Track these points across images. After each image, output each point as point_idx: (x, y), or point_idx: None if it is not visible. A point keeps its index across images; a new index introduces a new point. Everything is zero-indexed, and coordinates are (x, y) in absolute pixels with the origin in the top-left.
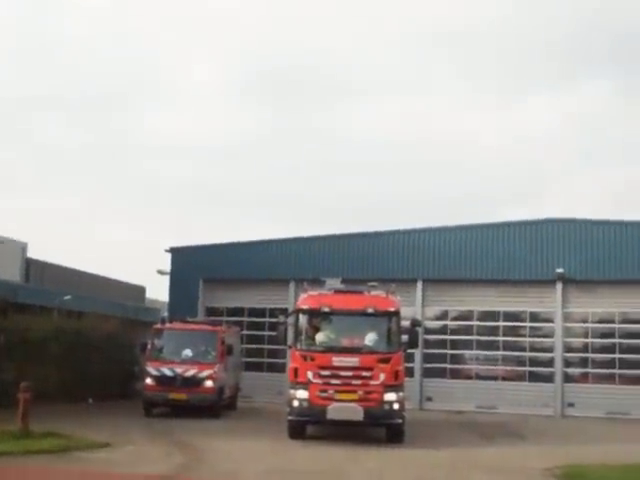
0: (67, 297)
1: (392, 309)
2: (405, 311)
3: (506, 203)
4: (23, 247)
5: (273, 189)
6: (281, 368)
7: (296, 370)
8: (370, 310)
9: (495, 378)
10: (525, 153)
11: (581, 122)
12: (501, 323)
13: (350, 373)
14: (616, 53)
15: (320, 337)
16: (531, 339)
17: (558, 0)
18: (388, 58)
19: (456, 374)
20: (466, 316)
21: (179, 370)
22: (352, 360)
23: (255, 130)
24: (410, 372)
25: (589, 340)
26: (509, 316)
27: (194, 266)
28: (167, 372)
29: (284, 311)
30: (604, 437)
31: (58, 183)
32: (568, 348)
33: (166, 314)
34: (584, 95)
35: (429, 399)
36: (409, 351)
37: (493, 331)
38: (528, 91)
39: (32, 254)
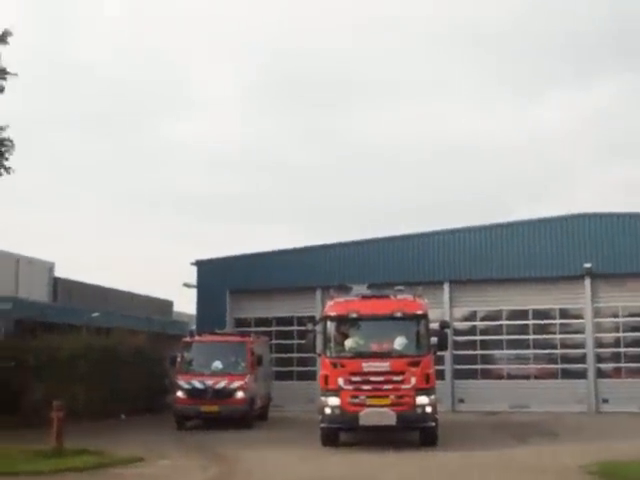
0: (95, 314)
1: (420, 312)
2: (433, 313)
3: (525, 202)
4: (50, 267)
5: (293, 198)
6: (311, 376)
7: (326, 377)
8: (398, 314)
9: (527, 377)
10: (542, 152)
11: (598, 119)
12: (531, 321)
13: (381, 378)
14: (631, 49)
15: (349, 343)
16: (562, 336)
17: None
18: (403, 60)
19: (487, 374)
20: (495, 316)
21: (210, 382)
22: (382, 365)
23: (272, 136)
24: (441, 374)
25: (620, 334)
26: (538, 314)
27: (220, 278)
28: (198, 385)
29: (312, 319)
30: (639, 433)
31: (80, 200)
32: (599, 343)
33: (194, 327)
34: (600, 92)
35: (461, 401)
36: (439, 353)
37: (523, 330)
38: (544, 90)
39: (59, 273)
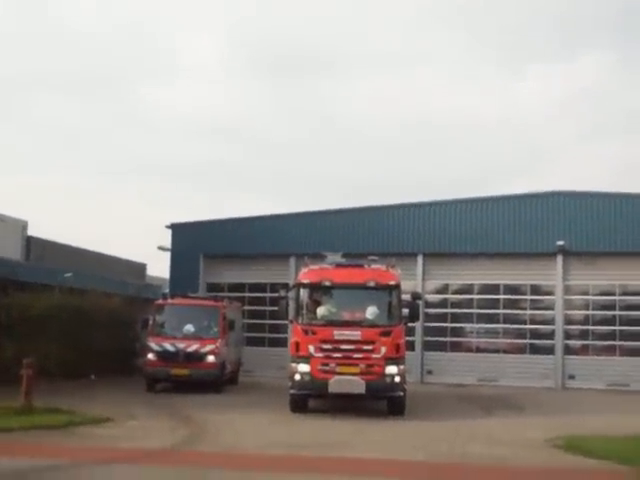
0: (68, 275)
1: (393, 282)
2: (406, 285)
3: (506, 177)
4: (23, 225)
5: (273, 165)
6: (283, 343)
7: (297, 344)
8: (371, 283)
9: (496, 351)
10: (525, 126)
11: (581, 94)
12: (502, 296)
13: (351, 346)
14: (615, 23)
15: (321, 311)
16: (532, 312)
17: None
18: (383, 32)
19: (457, 347)
20: (466, 289)
21: (181, 345)
22: (353, 333)
23: (255, 106)
24: (411, 345)
25: (590, 312)
26: (509, 289)
27: (195, 242)
28: (169, 347)
29: (285, 286)
30: (604, 408)
31: (56, 160)
32: (569, 320)
33: (167, 290)
34: (584, 66)
35: (430, 372)
36: (410, 324)
37: (494, 304)
38: (526, 65)
39: (32, 232)
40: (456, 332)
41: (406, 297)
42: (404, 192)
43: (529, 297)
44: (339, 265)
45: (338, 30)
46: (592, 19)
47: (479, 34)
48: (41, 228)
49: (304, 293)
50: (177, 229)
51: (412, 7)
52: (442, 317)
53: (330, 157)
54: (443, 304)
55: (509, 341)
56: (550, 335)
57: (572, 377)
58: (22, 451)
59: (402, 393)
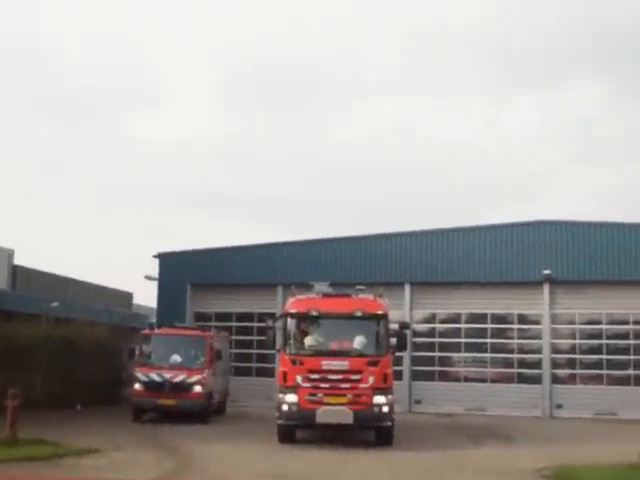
0: (54, 304)
1: (380, 312)
2: (393, 314)
3: (493, 205)
4: (9, 254)
5: (260, 193)
6: (270, 372)
7: (285, 374)
8: (358, 313)
9: (484, 380)
10: (512, 155)
11: (568, 123)
12: (489, 325)
13: (339, 376)
14: (602, 53)
15: (309, 341)
16: (519, 341)
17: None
18: (374, 59)
19: (445, 377)
20: (454, 319)
21: (168, 375)
22: (341, 363)
23: (243, 133)
24: (399, 375)
25: (577, 341)
26: (497, 318)
27: (182, 271)
28: (156, 378)
29: (272, 315)
30: (592, 437)
31: (43, 188)
32: (556, 349)
33: (154, 320)
34: (571, 96)
35: (418, 402)
36: (398, 354)
37: (481, 333)
38: (515, 92)
39: (18, 261)
40: (444, 361)
41: (394, 326)
42: (392, 219)
43: (516, 326)
44: (326, 295)
45: (330, 56)
46: (580, 48)
47: (468, 63)
48: (27, 257)
49: (291, 323)
50: (164, 258)
51: (401, 36)
52: (430, 346)
53: (318, 184)
54: (431, 333)
55: (497, 370)
56: (537, 364)
57: (560, 406)
58: None
59: (390, 423)
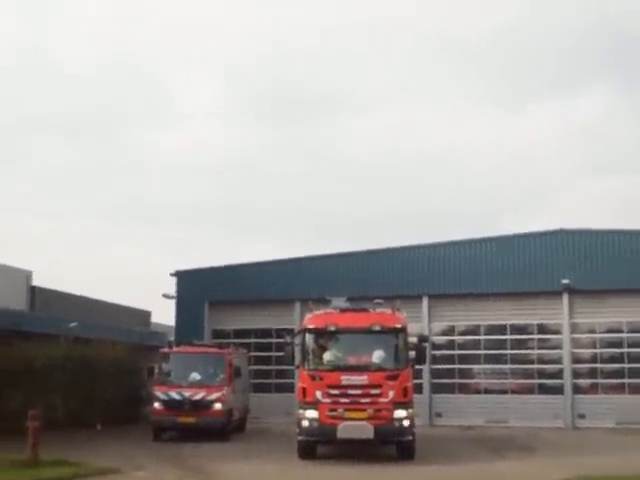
0: (73, 324)
1: (398, 325)
2: (412, 327)
3: (508, 216)
4: (28, 275)
5: (275, 207)
6: (289, 388)
7: (304, 390)
8: (376, 327)
9: (504, 392)
10: (526, 164)
11: (582, 130)
12: (508, 336)
13: (359, 391)
14: (614, 58)
15: (327, 356)
16: (539, 351)
17: (554, 8)
18: (385, 70)
19: (465, 389)
20: (473, 330)
21: (187, 394)
22: (360, 378)
23: (255, 148)
24: (419, 388)
25: (597, 350)
26: (516, 329)
27: (199, 289)
28: (175, 396)
29: (290, 331)
30: (616, 447)
31: (59, 208)
32: (576, 359)
33: (173, 338)
34: (584, 103)
35: (439, 415)
36: (417, 367)
37: (501, 344)
38: (527, 103)
39: (37, 282)
40: (464, 373)
41: (413, 340)
42: (407, 231)
43: (536, 336)
44: (344, 309)
45: (337, 68)
46: (593, 55)
47: (478, 71)
48: (45, 278)
49: (309, 338)
50: (182, 276)
51: (411, 45)
52: (449, 359)
53: (333, 197)
54: (450, 345)
55: (517, 381)
56: (558, 374)
57: (582, 416)
58: None
59: (411, 437)
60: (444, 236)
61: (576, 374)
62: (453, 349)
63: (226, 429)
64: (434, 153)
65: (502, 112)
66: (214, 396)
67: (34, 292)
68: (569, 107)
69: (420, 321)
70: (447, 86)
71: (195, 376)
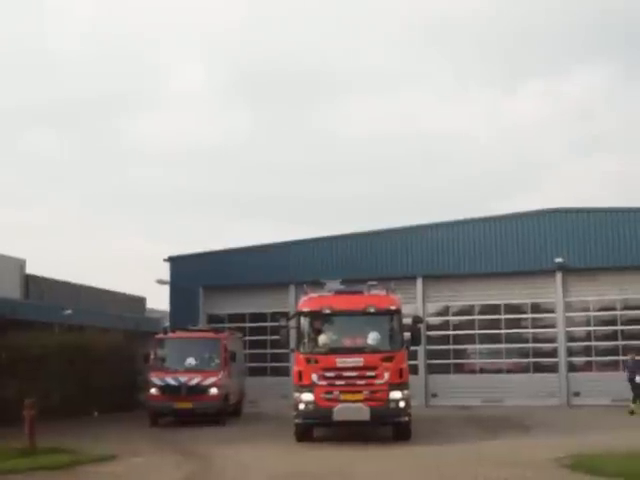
0: (67, 312)
1: (393, 307)
2: (406, 308)
3: (500, 195)
4: (21, 263)
5: (268, 191)
6: (285, 372)
7: (300, 373)
8: (371, 309)
9: (499, 371)
10: (517, 143)
11: (572, 110)
12: (503, 316)
13: (354, 373)
14: (606, 38)
15: (322, 339)
16: (533, 330)
17: None
18: (376, 51)
19: (460, 369)
20: (467, 311)
21: (183, 379)
22: (356, 360)
23: (247, 132)
24: (414, 369)
25: (592, 328)
26: (510, 308)
27: (193, 274)
28: (171, 381)
29: (285, 315)
30: (611, 425)
31: (52, 196)
32: (571, 337)
33: (167, 323)
34: (575, 82)
35: (434, 395)
36: (412, 348)
37: (495, 324)
38: (518, 82)
39: (30, 270)
40: (459, 354)
41: (407, 321)
42: (400, 213)
43: (530, 316)
44: (338, 292)
45: (328, 51)
46: (586, 33)
47: (468, 52)
48: (39, 265)
49: (304, 321)
50: (175, 262)
51: (402, 26)
52: (444, 339)
53: (326, 181)
54: (444, 326)
55: (512, 361)
56: (553, 353)
57: (577, 394)
58: None
59: (407, 418)
60: (438, 217)
61: (570, 352)
62: (448, 329)
63: (223, 413)
64: (424, 135)
65: (494, 92)
66: (210, 381)
67: (28, 280)
68: (558, 86)
69: (414, 302)
70: (437, 67)
71: (191, 361)
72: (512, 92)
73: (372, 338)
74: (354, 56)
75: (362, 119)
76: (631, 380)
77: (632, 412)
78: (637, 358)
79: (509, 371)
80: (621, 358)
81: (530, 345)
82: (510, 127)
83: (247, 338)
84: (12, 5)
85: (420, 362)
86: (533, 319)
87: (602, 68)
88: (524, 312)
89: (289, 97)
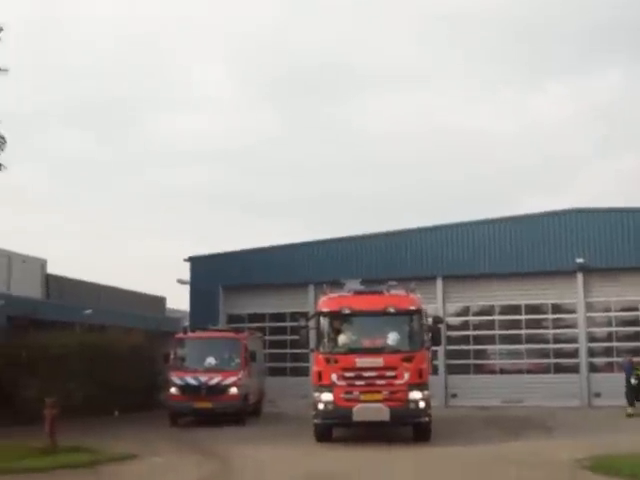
0: (88, 311)
1: (413, 307)
2: (426, 308)
3: (523, 194)
4: (42, 264)
5: (289, 192)
6: (305, 372)
7: (320, 373)
8: (391, 309)
9: (520, 372)
10: (542, 142)
11: (599, 109)
12: (523, 316)
13: (374, 373)
14: (634, 37)
15: (342, 339)
16: (554, 331)
17: None
18: (401, 47)
19: (480, 369)
20: (488, 311)
21: (203, 379)
22: (375, 360)
23: (270, 132)
24: (434, 369)
25: (613, 329)
26: (531, 309)
27: (213, 274)
28: (191, 381)
29: (305, 315)
30: (632, 426)
31: (73, 197)
32: (592, 338)
33: (188, 323)
34: (602, 82)
35: (454, 396)
36: (432, 349)
37: (515, 325)
38: (544, 79)
39: (52, 270)
40: (479, 354)
41: (427, 321)
42: (423, 212)
43: (551, 316)
44: (358, 292)
45: (350, 50)
46: (610, 32)
47: (495, 49)
48: (59, 266)
49: (324, 322)
50: (195, 262)
51: (426, 22)
52: (464, 339)
53: (348, 180)
54: (465, 326)
55: (533, 361)
56: (574, 353)
57: (598, 395)
58: None
59: (427, 419)
60: (459, 217)
61: (592, 353)
62: (468, 330)
63: (242, 413)
64: (450, 133)
65: (519, 92)
66: (230, 380)
67: (49, 280)
68: (585, 84)
69: (434, 302)
70: (464, 61)
71: (211, 361)
72: (537, 91)
73: (392, 338)
74: (376, 55)
75: (386, 116)
76: (627, 382)
77: (630, 415)
78: (634, 359)
79: (529, 372)
80: None
81: (551, 346)
82: (536, 125)
83: (267, 338)
84: (42, 11)
85: (440, 362)
86: (554, 319)
87: (628, 68)
88: (545, 312)
89: (312, 97)
